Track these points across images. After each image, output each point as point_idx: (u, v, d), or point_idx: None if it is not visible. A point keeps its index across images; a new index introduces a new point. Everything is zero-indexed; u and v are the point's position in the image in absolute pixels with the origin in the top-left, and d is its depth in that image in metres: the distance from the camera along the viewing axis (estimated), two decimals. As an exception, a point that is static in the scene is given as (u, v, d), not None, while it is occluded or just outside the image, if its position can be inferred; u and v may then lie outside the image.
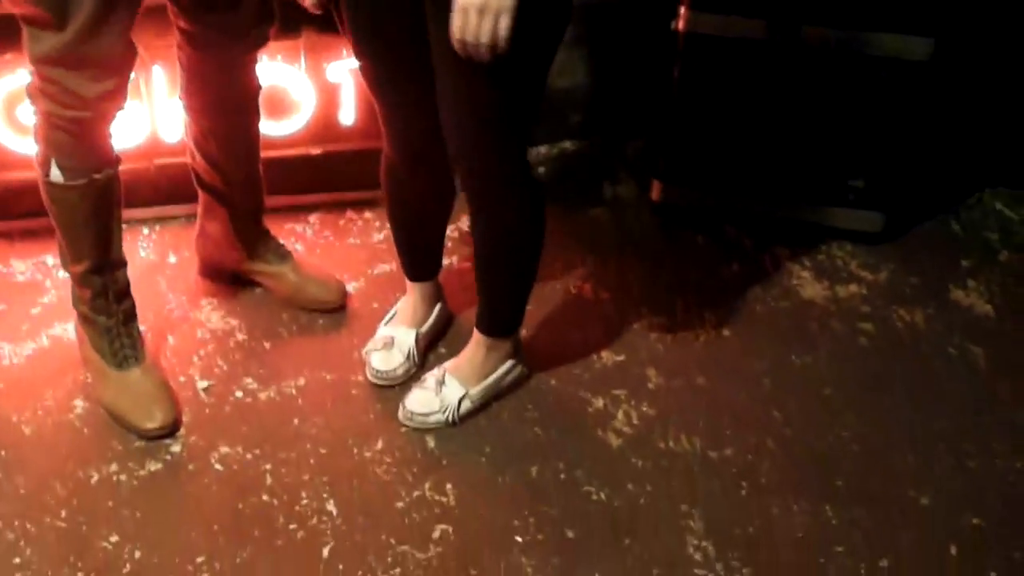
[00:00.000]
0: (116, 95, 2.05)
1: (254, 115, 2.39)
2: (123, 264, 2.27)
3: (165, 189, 2.76)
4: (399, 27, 1.93)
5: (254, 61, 2.32)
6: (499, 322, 2.31)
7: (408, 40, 1.92)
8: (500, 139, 1.99)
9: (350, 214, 2.89)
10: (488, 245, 2.19)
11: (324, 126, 2.80)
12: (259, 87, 2.36)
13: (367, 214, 2.89)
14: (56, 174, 2.10)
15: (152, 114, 2.67)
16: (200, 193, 2.48)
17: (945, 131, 3.07)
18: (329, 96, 2.76)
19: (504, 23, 1.70)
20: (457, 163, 2.04)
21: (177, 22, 2.19)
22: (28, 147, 2.61)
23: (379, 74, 2.05)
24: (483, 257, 2.21)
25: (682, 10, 2.69)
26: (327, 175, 2.85)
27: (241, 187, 2.43)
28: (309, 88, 2.74)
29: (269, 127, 2.68)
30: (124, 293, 2.29)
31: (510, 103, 1.93)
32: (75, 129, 2.05)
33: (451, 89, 1.92)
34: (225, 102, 2.31)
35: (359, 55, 2.04)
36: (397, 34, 1.94)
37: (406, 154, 2.16)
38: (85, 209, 2.14)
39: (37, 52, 1.97)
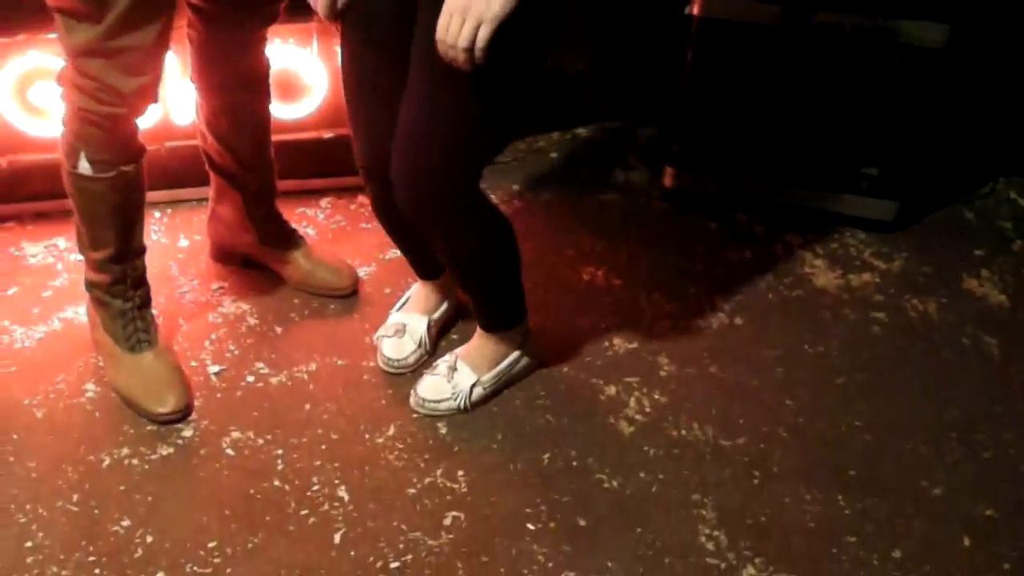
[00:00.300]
0: (151, 89, 2.04)
1: (264, 94, 2.38)
2: (143, 251, 2.27)
3: (176, 172, 2.75)
4: (392, 23, 1.90)
5: (264, 39, 2.31)
6: (495, 321, 2.30)
7: (397, 39, 1.89)
8: (454, 157, 1.94)
9: (362, 198, 2.88)
10: (452, 266, 2.17)
11: (336, 110, 2.79)
12: (268, 66, 2.35)
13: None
14: (85, 167, 2.09)
15: (164, 96, 2.66)
16: (212, 176, 2.47)
17: (959, 119, 3.06)
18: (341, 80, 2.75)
19: (484, 32, 1.68)
20: (400, 180, 1.97)
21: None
22: (39, 129, 2.61)
23: (361, 71, 2.00)
24: (456, 278, 2.21)
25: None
26: (339, 159, 2.84)
27: (253, 169, 2.43)
28: (321, 72, 2.73)
29: (281, 111, 2.68)
30: (141, 279, 2.29)
31: (474, 122, 1.89)
32: (108, 124, 2.04)
33: (422, 97, 1.88)
34: (235, 80, 2.30)
35: (346, 48, 2.01)
36: (388, 31, 1.91)
37: (379, 175, 2.08)
38: (112, 200, 2.14)
39: (72, 43, 1.95)
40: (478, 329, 2.32)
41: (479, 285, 2.22)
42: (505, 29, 1.69)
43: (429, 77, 1.84)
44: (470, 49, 1.70)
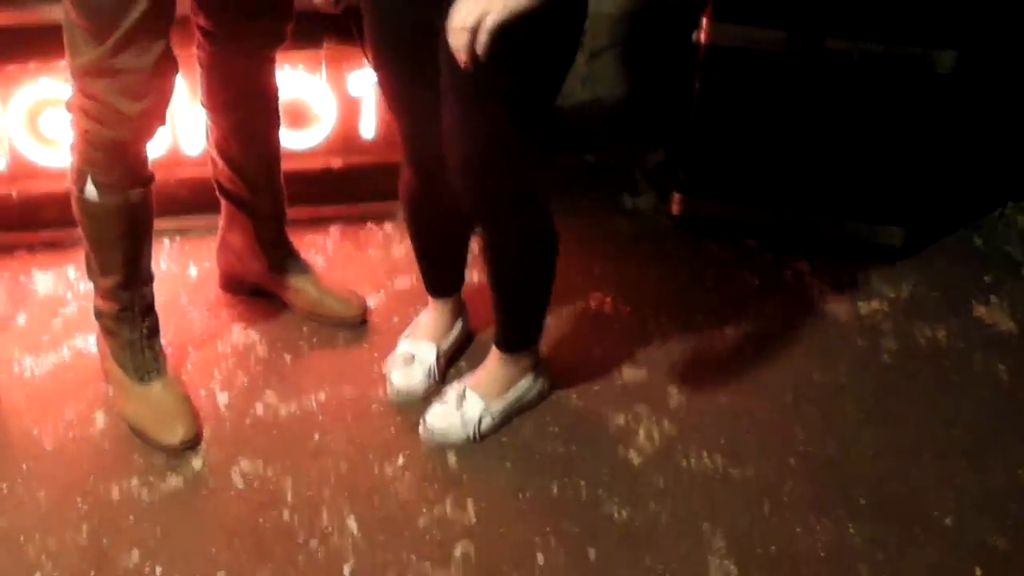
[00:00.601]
0: (156, 111, 2.05)
1: (273, 115, 2.39)
2: (151, 279, 2.27)
3: (186, 200, 2.75)
4: (415, 35, 1.92)
5: (272, 60, 2.33)
6: (515, 338, 2.30)
7: (424, 49, 1.91)
8: (499, 158, 1.97)
9: (370, 226, 2.89)
10: (495, 267, 2.18)
11: (345, 139, 2.80)
12: (278, 88, 2.37)
13: (387, 226, 2.89)
14: (91, 191, 2.10)
15: (173, 125, 2.67)
16: (222, 203, 2.48)
17: (968, 144, 3.06)
18: (350, 109, 2.76)
19: (490, 21, 1.68)
20: (453, 170, 2.01)
21: (196, 20, 2.21)
22: (50, 158, 2.63)
23: (395, 83, 2.05)
24: (493, 277, 2.21)
25: (703, 21, 2.69)
26: (348, 188, 2.85)
27: (263, 193, 2.44)
28: (330, 100, 2.74)
29: (290, 139, 2.68)
30: (150, 307, 2.29)
31: (509, 121, 1.91)
32: (114, 148, 2.05)
33: (452, 101, 1.91)
34: (245, 100, 2.32)
35: (376, 63, 2.04)
36: (413, 43, 1.94)
37: (423, 168, 2.15)
38: (119, 226, 2.15)
39: (77, 63, 1.98)
40: (492, 351, 2.32)
41: (511, 292, 2.22)
42: (524, 26, 1.70)
43: (453, 93, 1.87)
44: (474, 32, 1.69)
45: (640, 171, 3.19)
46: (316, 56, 2.71)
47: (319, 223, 2.87)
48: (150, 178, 2.16)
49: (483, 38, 1.69)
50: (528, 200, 2.08)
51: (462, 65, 1.73)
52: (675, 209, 2.96)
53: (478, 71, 1.73)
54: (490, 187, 2.02)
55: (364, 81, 2.72)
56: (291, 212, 2.55)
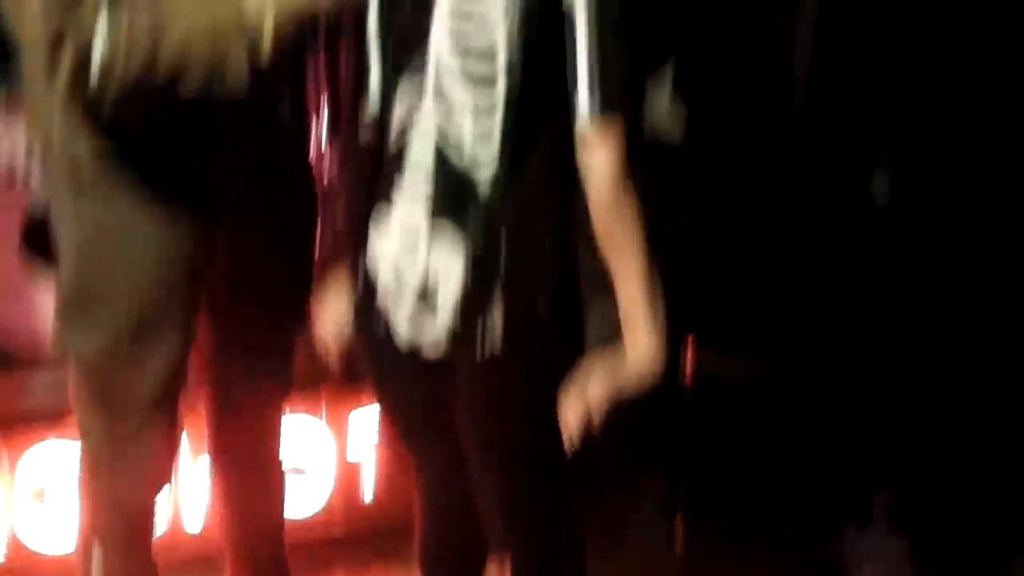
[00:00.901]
0: (162, 472, 2.10)
1: (278, 469, 2.41)
2: None
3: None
4: (432, 402, 1.96)
5: (278, 412, 2.36)
6: None
7: (439, 405, 1.94)
8: (536, 503, 2.01)
9: (375, 566, 2.88)
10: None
11: (346, 508, 2.84)
12: (280, 442, 2.39)
13: (392, 561, 2.87)
14: (98, 555, 2.11)
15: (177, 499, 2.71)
16: (227, 566, 2.45)
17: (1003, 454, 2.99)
18: (350, 476, 2.82)
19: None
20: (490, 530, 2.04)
21: (200, 374, 2.25)
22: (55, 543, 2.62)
23: (404, 434, 2.09)
24: None
25: (689, 355, 2.76)
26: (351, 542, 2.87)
27: (266, 564, 2.43)
28: (330, 451, 2.78)
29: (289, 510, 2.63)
30: None
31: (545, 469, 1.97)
32: (121, 506, 2.08)
33: (480, 467, 1.95)
34: (250, 452, 2.34)
35: (383, 412, 2.10)
36: (426, 406, 1.98)
37: (438, 507, 2.14)
38: None
39: (84, 426, 2.03)
40: None
41: None
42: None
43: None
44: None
45: (641, 494, 3.20)
46: (316, 401, 2.77)
47: (322, 564, 2.84)
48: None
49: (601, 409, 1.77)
50: (563, 531, 2.10)
51: (570, 443, 1.79)
52: (679, 533, 2.95)
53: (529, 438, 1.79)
54: (524, 527, 2.03)
55: (365, 437, 2.78)
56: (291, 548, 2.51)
